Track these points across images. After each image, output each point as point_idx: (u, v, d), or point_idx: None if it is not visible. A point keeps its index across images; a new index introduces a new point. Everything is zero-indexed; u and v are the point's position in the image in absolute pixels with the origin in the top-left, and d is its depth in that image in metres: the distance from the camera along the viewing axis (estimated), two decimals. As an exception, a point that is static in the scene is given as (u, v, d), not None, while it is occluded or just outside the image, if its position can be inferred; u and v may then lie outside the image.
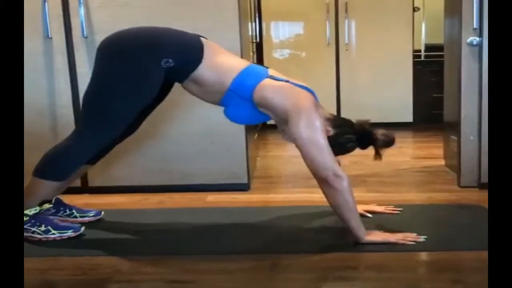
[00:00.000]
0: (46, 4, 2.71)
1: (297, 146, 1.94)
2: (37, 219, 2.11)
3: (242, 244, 2.06)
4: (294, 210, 2.48)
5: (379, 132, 2.05)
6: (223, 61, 2.04)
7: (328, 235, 2.17)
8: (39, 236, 2.08)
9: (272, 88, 1.99)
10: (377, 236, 1.97)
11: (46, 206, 2.28)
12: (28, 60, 2.65)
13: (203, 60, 2.00)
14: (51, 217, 2.22)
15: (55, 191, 2.24)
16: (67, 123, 2.84)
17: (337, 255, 1.91)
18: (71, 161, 2.10)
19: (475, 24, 2.63)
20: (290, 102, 1.95)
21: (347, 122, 2.10)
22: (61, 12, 2.73)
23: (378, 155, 2.07)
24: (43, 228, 2.09)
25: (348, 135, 2.04)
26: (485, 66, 2.62)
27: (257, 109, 2.02)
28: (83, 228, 2.16)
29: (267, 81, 2.00)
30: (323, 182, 1.91)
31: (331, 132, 1.99)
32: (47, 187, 2.09)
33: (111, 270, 1.84)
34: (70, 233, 2.11)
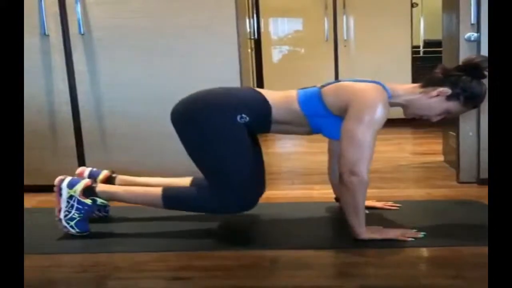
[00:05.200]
0: (42, 1, 2.71)
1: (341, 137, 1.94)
2: (90, 208, 2.10)
3: (241, 241, 2.06)
4: (293, 206, 2.49)
5: (474, 58, 1.98)
6: (280, 97, 2.07)
7: (327, 232, 2.17)
8: (63, 217, 2.07)
9: (333, 92, 2.01)
10: (376, 232, 1.97)
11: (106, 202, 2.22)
12: (25, 58, 2.66)
13: (272, 106, 2.03)
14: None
15: None
16: (65, 121, 2.84)
17: (336, 252, 1.91)
18: (202, 211, 2.15)
19: (473, 20, 2.62)
20: (348, 98, 1.95)
21: (449, 71, 2.00)
22: (57, 9, 2.73)
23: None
24: (76, 216, 2.08)
25: (465, 79, 1.95)
26: (484, 61, 2.62)
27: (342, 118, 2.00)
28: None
29: (323, 90, 2.03)
30: (339, 176, 1.92)
31: (444, 92, 1.96)
32: (156, 206, 2.11)
33: (111, 267, 1.85)
34: (74, 232, 2.10)
